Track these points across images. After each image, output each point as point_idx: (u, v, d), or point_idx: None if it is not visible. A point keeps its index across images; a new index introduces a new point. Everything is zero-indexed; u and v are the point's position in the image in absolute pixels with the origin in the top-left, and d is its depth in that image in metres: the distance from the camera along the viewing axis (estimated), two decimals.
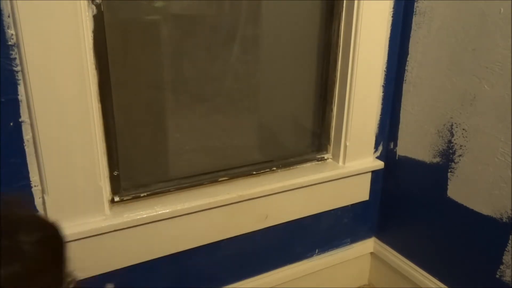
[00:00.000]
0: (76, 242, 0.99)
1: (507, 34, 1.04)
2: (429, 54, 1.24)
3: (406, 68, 1.32)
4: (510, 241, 1.11)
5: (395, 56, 1.33)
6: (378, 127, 1.39)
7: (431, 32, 1.23)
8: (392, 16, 1.28)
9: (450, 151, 1.23)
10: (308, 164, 1.35)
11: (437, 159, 1.27)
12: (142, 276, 1.13)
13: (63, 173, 0.93)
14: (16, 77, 0.85)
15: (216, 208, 1.15)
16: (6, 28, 0.82)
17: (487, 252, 1.17)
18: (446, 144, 1.24)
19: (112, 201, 1.06)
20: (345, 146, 1.33)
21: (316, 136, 1.39)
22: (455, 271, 1.27)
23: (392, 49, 1.32)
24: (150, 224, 1.07)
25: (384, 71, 1.33)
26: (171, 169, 1.18)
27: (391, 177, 1.44)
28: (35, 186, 0.93)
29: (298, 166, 1.33)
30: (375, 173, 1.43)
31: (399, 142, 1.39)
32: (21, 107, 0.87)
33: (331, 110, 1.33)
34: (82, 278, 1.04)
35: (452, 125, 1.21)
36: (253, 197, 1.20)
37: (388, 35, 1.30)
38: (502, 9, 1.04)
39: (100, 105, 0.98)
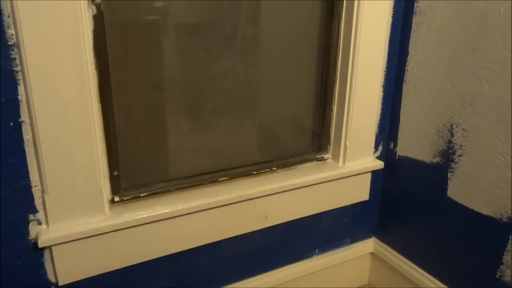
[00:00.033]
0: (76, 242, 0.99)
1: (507, 34, 1.04)
2: (429, 54, 1.24)
3: (406, 68, 1.32)
4: (510, 241, 1.11)
5: (395, 56, 1.33)
6: (378, 127, 1.39)
7: (431, 32, 1.23)
8: (392, 16, 1.28)
9: (450, 151, 1.23)
10: (308, 164, 1.35)
11: (437, 159, 1.27)
12: (142, 276, 1.13)
13: (63, 173, 0.93)
14: (16, 77, 0.85)
15: (216, 208, 1.15)
16: (6, 28, 0.82)
17: (487, 252, 1.17)
18: (446, 144, 1.24)
19: (112, 201, 1.06)
20: (345, 146, 1.33)
21: (316, 136, 1.39)
22: (455, 271, 1.27)
23: (392, 49, 1.32)
24: (150, 224, 1.07)
25: (384, 71, 1.33)
26: (171, 169, 1.18)
27: (391, 177, 1.44)
28: (35, 186, 0.93)
29: (298, 166, 1.33)
30: (375, 173, 1.43)
31: (399, 142, 1.39)
32: (21, 107, 0.87)
33: (331, 110, 1.34)
34: (82, 278, 1.04)
35: (452, 125, 1.21)
36: (253, 197, 1.20)
37: (388, 35, 1.30)
38: (502, 9, 1.05)
39: (100, 105, 0.98)
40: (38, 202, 0.95)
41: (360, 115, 1.31)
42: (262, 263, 1.34)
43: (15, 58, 0.84)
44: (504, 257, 1.13)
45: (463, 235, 1.23)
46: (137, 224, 1.05)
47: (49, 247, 0.97)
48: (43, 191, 0.93)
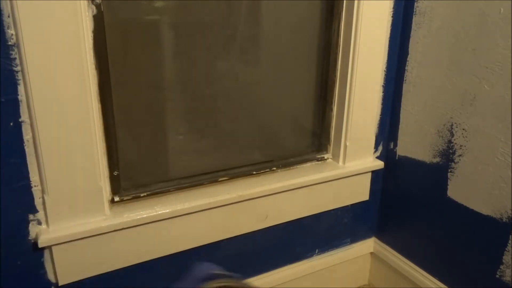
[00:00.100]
0: (76, 242, 0.99)
1: (507, 34, 1.04)
2: (429, 54, 1.24)
3: (406, 68, 1.32)
4: (510, 241, 1.11)
5: (395, 56, 1.33)
6: (378, 127, 1.39)
7: (431, 32, 1.23)
8: (392, 16, 1.28)
9: (450, 151, 1.23)
10: (308, 164, 1.35)
11: (437, 159, 1.27)
12: (142, 276, 1.13)
13: (63, 173, 0.93)
14: (16, 77, 0.85)
15: (216, 208, 1.15)
16: (6, 28, 0.82)
17: (487, 252, 1.17)
18: (446, 144, 1.24)
19: (112, 201, 1.06)
20: (345, 146, 1.33)
21: (316, 136, 1.39)
22: (455, 271, 1.27)
23: (392, 49, 1.32)
24: (150, 224, 1.07)
25: (384, 71, 1.33)
26: (171, 169, 1.18)
27: (391, 177, 1.44)
28: (35, 186, 0.93)
29: (298, 166, 1.33)
30: (375, 173, 1.43)
31: (399, 142, 1.39)
32: (21, 107, 0.87)
33: (331, 110, 1.34)
34: (82, 278, 1.04)
35: (452, 125, 1.21)
36: (253, 197, 1.20)
37: (388, 35, 1.30)
38: (502, 9, 1.05)
39: (100, 105, 0.98)
40: (38, 202, 0.95)
41: (360, 115, 1.31)
42: (262, 263, 1.33)
43: (15, 58, 0.84)
44: (504, 257, 1.13)
45: (463, 235, 1.23)
46: (137, 224, 1.05)
47: (49, 247, 0.97)
48: (43, 191, 0.93)
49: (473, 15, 1.11)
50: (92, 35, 0.93)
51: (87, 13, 0.90)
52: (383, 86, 1.35)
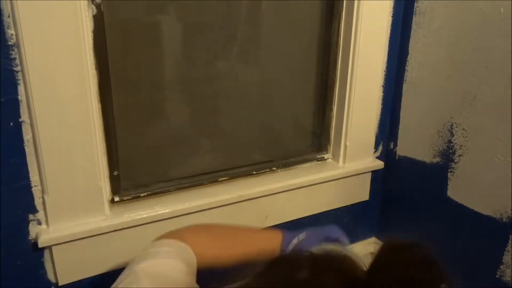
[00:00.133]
0: (76, 242, 0.99)
1: (507, 34, 1.04)
2: (429, 54, 1.24)
3: (406, 68, 1.32)
4: (510, 241, 1.11)
5: (395, 56, 1.33)
6: (378, 127, 1.39)
7: (431, 32, 1.23)
8: (392, 16, 1.28)
9: (450, 151, 1.22)
10: (308, 164, 1.35)
11: (437, 159, 1.27)
12: None
13: (63, 173, 0.93)
14: (16, 77, 0.85)
15: (216, 208, 1.15)
16: (6, 28, 0.82)
17: (487, 252, 1.17)
18: (446, 144, 1.24)
19: (112, 201, 1.06)
20: (345, 146, 1.33)
21: (316, 136, 1.39)
22: (455, 271, 1.27)
23: (392, 49, 1.32)
24: (150, 224, 1.07)
25: (384, 71, 1.33)
26: (171, 169, 1.18)
27: (391, 177, 1.44)
28: (35, 186, 0.93)
29: (298, 166, 1.33)
30: (375, 173, 1.43)
31: (399, 142, 1.39)
32: (21, 107, 0.87)
33: (331, 110, 1.33)
34: (82, 278, 1.04)
35: (452, 125, 1.21)
36: (253, 197, 1.20)
37: (388, 35, 1.30)
38: (502, 9, 1.04)
39: (100, 105, 0.98)
40: (38, 202, 0.95)
41: (360, 115, 1.31)
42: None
43: (15, 58, 0.84)
44: (504, 257, 1.13)
45: (463, 235, 1.23)
46: (137, 224, 1.05)
47: (49, 247, 0.97)
48: (43, 191, 0.93)
49: (473, 15, 1.11)
50: (92, 35, 0.93)
51: (87, 13, 0.89)
52: (383, 86, 1.35)
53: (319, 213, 1.37)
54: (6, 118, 0.87)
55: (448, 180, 1.24)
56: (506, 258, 1.12)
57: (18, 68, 0.85)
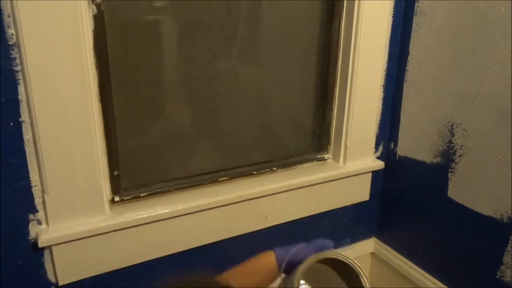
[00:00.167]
0: (76, 242, 0.99)
1: (507, 34, 1.04)
2: (430, 54, 1.24)
3: (406, 68, 1.32)
4: (510, 242, 1.11)
5: (395, 56, 1.33)
6: (378, 127, 1.39)
7: (431, 32, 1.23)
8: (393, 16, 1.28)
9: (451, 151, 1.22)
10: (308, 164, 1.35)
11: (438, 159, 1.26)
12: (142, 276, 1.13)
13: (63, 173, 0.93)
14: (16, 76, 0.85)
15: (216, 208, 1.15)
16: (6, 27, 0.82)
17: (487, 253, 1.17)
18: (446, 144, 1.23)
19: (112, 201, 1.06)
20: (346, 146, 1.33)
21: (317, 136, 1.38)
22: (455, 271, 1.27)
23: (393, 49, 1.32)
24: (150, 224, 1.07)
25: (385, 71, 1.33)
26: (171, 169, 1.18)
27: (392, 177, 1.44)
28: (35, 186, 0.93)
29: (298, 166, 1.33)
30: (375, 173, 1.43)
31: (399, 142, 1.39)
32: (21, 107, 0.87)
33: (332, 110, 1.33)
34: (82, 278, 1.04)
35: (452, 125, 1.21)
36: (253, 197, 1.20)
37: (389, 35, 1.30)
38: (502, 9, 1.04)
39: (100, 105, 0.98)
40: (38, 202, 0.95)
41: (360, 115, 1.31)
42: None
43: (15, 58, 0.84)
44: (504, 257, 1.13)
45: (463, 235, 1.23)
46: (137, 224, 1.05)
47: (49, 247, 0.97)
48: (43, 191, 0.93)
49: (473, 15, 1.11)
50: (93, 34, 0.93)
51: (87, 13, 0.89)
52: (383, 86, 1.35)
53: (320, 213, 1.37)
54: (6, 118, 0.87)
55: (449, 180, 1.24)
56: (506, 258, 1.12)
57: (18, 67, 0.85)
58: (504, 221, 1.11)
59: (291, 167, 1.32)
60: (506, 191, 1.10)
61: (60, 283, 1.02)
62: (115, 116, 1.02)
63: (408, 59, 1.31)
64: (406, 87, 1.33)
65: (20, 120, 0.88)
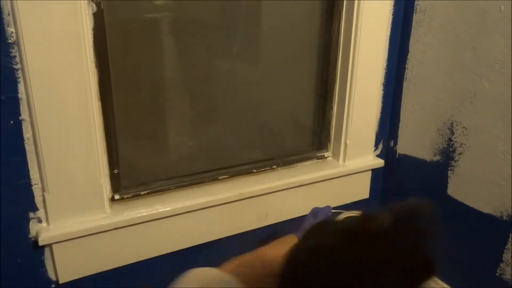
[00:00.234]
0: (77, 240, 0.99)
1: (507, 32, 1.04)
2: (430, 52, 1.24)
3: (406, 66, 1.32)
4: (510, 239, 1.11)
5: (395, 55, 1.33)
6: (378, 126, 1.39)
7: (431, 30, 1.23)
8: (393, 14, 1.27)
9: (450, 149, 1.22)
10: (308, 162, 1.35)
11: (437, 157, 1.26)
12: (143, 274, 1.13)
13: (63, 171, 0.93)
14: (16, 75, 0.85)
15: (216, 206, 1.15)
16: (6, 26, 0.82)
17: (487, 250, 1.17)
18: (446, 142, 1.23)
19: (113, 199, 1.06)
20: (345, 144, 1.33)
21: (316, 134, 1.39)
22: (455, 269, 1.27)
23: (393, 48, 1.32)
24: (150, 222, 1.07)
25: (385, 69, 1.33)
26: (172, 167, 1.18)
27: (391, 176, 1.44)
28: (35, 184, 0.93)
29: (298, 164, 1.33)
30: (375, 171, 1.43)
31: (399, 140, 1.39)
32: (21, 105, 0.87)
33: (331, 108, 1.33)
34: (82, 276, 1.04)
35: (452, 123, 1.21)
36: (253, 195, 1.20)
37: (389, 34, 1.29)
38: (502, 7, 1.04)
39: (100, 104, 0.98)
40: (38, 200, 0.95)
41: (360, 114, 1.31)
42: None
43: (15, 56, 0.84)
44: (504, 255, 1.13)
45: (463, 233, 1.23)
46: (138, 222, 1.05)
47: (50, 245, 0.98)
48: (43, 189, 0.94)
49: (473, 13, 1.11)
50: (92, 33, 0.93)
51: (87, 11, 0.89)
52: (383, 84, 1.35)
53: None
54: (6, 116, 0.87)
55: (448, 178, 1.24)
56: (506, 256, 1.12)
57: (18, 66, 0.85)
58: (504, 219, 1.11)
59: (291, 165, 1.32)
60: (506, 189, 1.10)
61: (61, 281, 1.02)
62: (115, 114, 1.02)
63: (408, 57, 1.31)
64: (406, 85, 1.33)
65: (20, 118, 0.88)
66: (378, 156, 1.43)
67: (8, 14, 0.81)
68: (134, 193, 1.09)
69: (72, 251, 1.00)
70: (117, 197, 1.06)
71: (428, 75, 1.26)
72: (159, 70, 1.11)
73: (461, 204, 1.22)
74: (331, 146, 1.38)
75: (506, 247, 1.12)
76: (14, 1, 0.80)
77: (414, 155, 1.34)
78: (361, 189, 1.43)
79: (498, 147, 1.10)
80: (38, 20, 0.82)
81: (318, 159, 1.36)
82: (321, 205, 1.36)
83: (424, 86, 1.28)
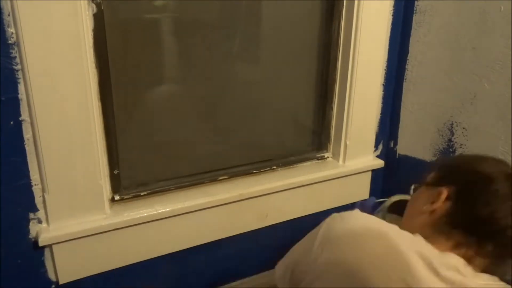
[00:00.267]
0: (77, 240, 0.99)
1: (507, 33, 1.04)
2: (430, 53, 1.24)
3: (406, 66, 1.32)
4: None
5: (395, 55, 1.33)
6: (378, 126, 1.39)
7: (431, 31, 1.23)
8: (393, 15, 1.28)
9: (450, 150, 1.22)
10: (308, 163, 1.35)
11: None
12: (143, 274, 1.13)
13: (64, 172, 0.93)
14: (16, 75, 0.85)
15: (216, 207, 1.15)
16: (6, 26, 0.82)
17: None
18: (446, 143, 1.23)
19: (113, 200, 1.06)
20: (345, 145, 1.33)
21: (316, 135, 1.38)
22: None
23: (393, 48, 1.32)
24: (150, 223, 1.07)
25: (385, 69, 1.33)
26: (171, 168, 1.18)
27: (391, 176, 1.44)
28: (35, 184, 0.93)
29: (298, 165, 1.33)
30: (375, 172, 1.43)
31: (399, 141, 1.39)
32: (21, 106, 0.87)
33: (331, 109, 1.33)
34: (82, 276, 1.04)
35: (452, 123, 1.21)
36: (253, 196, 1.20)
37: (389, 34, 1.29)
38: (502, 8, 1.04)
39: (100, 104, 0.98)
40: (38, 200, 0.95)
41: (360, 114, 1.31)
42: (262, 262, 1.33)
43: (15, 57, 0.84)
44: None
45: None
46: (138, 222, 1.05)
47: (50, 246, 0.98)
48: (43, 190, 0.93)
49: (473, 14, 1.11)
50: (92, 33, 0.92)
51: (87, 12, 0.89)
52: (383, 85, 1.35)
53: (319, 211, 1.37)
54: (6, 116, 0.87)
55: None
56: None
57: (18, 66, 0.85)
58: None
59: (291, 166, 1.32)
60: None
61: (61, 282, 1.02)
62: (115, 114, 1.02)
63: (408, 58, 1.31)
64: (406, 85, 1.33)
65: (20, 119, 0.88)
66: (378, 156, 1.43)
67: (8, 15, 0.81)
68: (134, 194, 1.09)
69: (72, 252, 1.00)
70: (117, 197, 1.06)
71: (428, 75, 1.26)
72: (159, 70, 1.11)
73: None
74: (331, 147, 1.38)
75: None
76: (14, 2, 0.80)
77: (414, 155, 1.34)
78: (361, 190, 1.43)
79: (498, 147, 1.10)
80: (38, 21, 0.82)
81: (318, 159, 1.36)
82: (322, 205, 1.36)
83: (424, 87, 1.28)
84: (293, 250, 0.82)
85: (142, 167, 1.13)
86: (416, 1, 1.25)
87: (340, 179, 1.35)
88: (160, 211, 1.07)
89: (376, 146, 1.42)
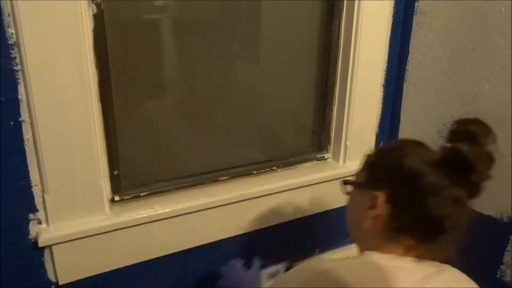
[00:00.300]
0: (77, 241, 0.99)
1: (507, 33, 1.04)
2: (430, 54, 1.24)
3: (406, 67, 1.32)
4: (510, 241, 1.11)
5: (395, 56, 1.33)
6: (378, 127, 1.39)
7: (431, 32, 1.23)
8: (393, 16, 1.28)
9: None
10: (308, 164, 1.35)
11: None
12: (143, 275, 1.13)
13: (63, 172, 0.93)
14: (16, 76, 0.85)
15: (216, 208, 1.15)
16: (6, 27, 0.82)
17: (487, 252, 1.17)
18: None
19: (112, 201, 1.06)
20: (346, 145, 1.33)
21: (317, 136, 1.38)
22: None
23: (393, 49, 1.32)
24: (150, 224, 1.07)
25: (385, 70, 1.33)
26: (171, 168, 1.18)
27: None
28: (35, 185, 0.93)
29: (298, 166, 1.33)
30: None
31: None
32: (21, 106, 0.87)
33: (332, 109, 1.33)
34: (82, 277, 1.04)
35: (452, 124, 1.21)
36: (253, 196, 1.20)
37: (389, 35, 1.30)
38: (502, 8, 1.04)
39: (100, 105, 0.98)
40: (38, 201, 0.95)
41: (360, 115, 1.31)
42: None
43: (15, 57, 0.84)
44: (504, 257, 1.13)
45: (463, 235, 1.23)
46: (138, 223, 1.05)
47: (49, 246, 0.97)
48: (43, 190, 0.93)
49: (473, 15, 1.11)
50: (92, 34, 0.92)
51: (87, 12, 0.89)
52: (383, 85, 1.35)
53: (320, 212, 1.37)
54: (6, 117, 0.87)
55: None
56: (507, 258, 1.12)
57: (18, 67, 0.85)
58: (504, 220, 1.11)
59: (291, 167, 1.32)
60: (506, 191, 1.10)
61: (61, 283, 1.02)
62: (115, 115, 1.02)
63: (408, 59, 1.31)
64: (406, 86, 1.33)
65: (20, 119, 0.88)
66: None
67: (8, 15, 0.81)
68: (134, 194, 1.09)
69: (72, 253, 1.00)
70: (117, 198, 1.06)
71: (428, 76, 1.26)
72: (159, 70, 1.11)
73: None
74: (331, 147, 1.38)
75: (506, 249, 1.12)
76: (14, 2, 0.80)
77: None
78: None
79: (498, 148, 1.10)
80: (39, 22, 0.82)
81: (318, 160, 1.36)
82: (322, 205, 1.36)
83: (424, 88, 1.28)
84: None
85: (142, 167, 1.13)
86: (416, 2, 1.25)
87: (340, 180, 1.34)
88: (160, 211, 1.07)
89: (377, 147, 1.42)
